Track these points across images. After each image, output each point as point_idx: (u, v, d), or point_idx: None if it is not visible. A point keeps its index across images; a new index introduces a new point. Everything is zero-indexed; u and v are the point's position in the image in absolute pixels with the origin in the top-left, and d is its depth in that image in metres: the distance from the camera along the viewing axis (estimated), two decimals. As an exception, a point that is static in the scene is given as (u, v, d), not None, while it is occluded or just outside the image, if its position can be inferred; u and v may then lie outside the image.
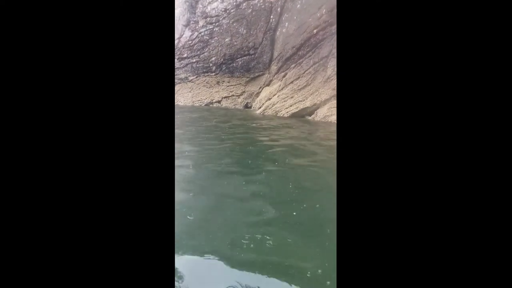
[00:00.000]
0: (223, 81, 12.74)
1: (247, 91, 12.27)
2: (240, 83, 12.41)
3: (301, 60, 9.93)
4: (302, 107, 9.37)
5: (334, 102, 8.70)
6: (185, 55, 13.54)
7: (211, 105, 12.52)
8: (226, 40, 12.76)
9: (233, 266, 2.12)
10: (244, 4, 12.57)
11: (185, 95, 13.14)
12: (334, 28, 9.08)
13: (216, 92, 12.70)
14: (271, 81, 11.47)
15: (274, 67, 11.41)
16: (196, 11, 13.54)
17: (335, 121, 8.56)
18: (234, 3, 12.74)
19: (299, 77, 9.70)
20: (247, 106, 12.14)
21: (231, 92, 12.52)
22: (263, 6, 12.24)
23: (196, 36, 13.38)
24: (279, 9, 11.82)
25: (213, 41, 13.04)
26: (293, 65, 10.25)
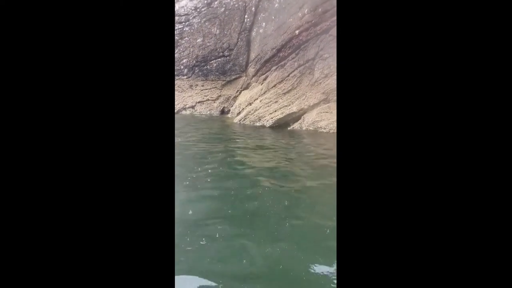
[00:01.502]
0: (197, 85, 11.86)
1: (224, 95, 11.52)
2: (216, 87, 11.63)
3: (283, 62, 9.41)
4: (288, 112, 8.86)
5: (323, 107, 8.30)
6: (152, 57, 12.43)
7: (183, 112, 11.58)
8: (198, 40, 11.91)
9: None
10: (216, 2, 11.81)
11: (154, 101, 12.05)
12: (318, 28, 8.68)
13: (189, 96, 11.79)
14: (249, 84, 10.84)
15: (251, 69, 10.79)
16: (163, 9, 12.50)
17: (326, 130, 8.16)
18: (205, 1, 11.94)
19: (282, 81, 9.17)
20: (223, 112, 11.41)
21: (206, 96, 11.69)
22: (236, 5, 11.57)
23: (164, 36, 12.35)
24: (253, 8, 11.23)
25: (183, 42, 12.11)
26: (274, 68, 9.71)
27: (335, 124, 8.08)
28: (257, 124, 9.17)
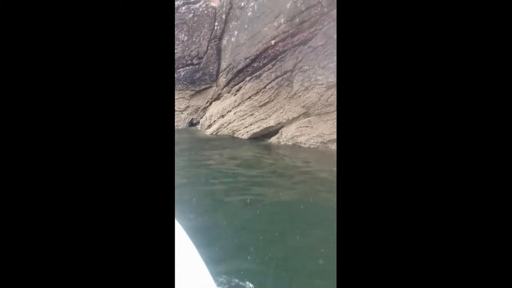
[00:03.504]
0: (162, 94, 10.97)
1: (192, 106, 10.76)
2: (184, 97, 10.83)
3: (258, 73, 8.93)
4: (265, 126, 8.36)
5: (303, 121, 7.92)
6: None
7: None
8: (164, 47, 11.06)
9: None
10: (183, 8, 11.08)
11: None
12: (296, 39, 8.34)
13: (154, 107, 10.85)
14: (220, 94, 10.22)
15: (222, 79, 10.19)
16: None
17: (306, 145, 7.78)
18: (172, 6, 11.16)
19: (258, 92, 8.68)
20: (192, 124, 10.65)
21: (173, 107, 10.85)
22: (205, 12, 10.93)
23: (126, 41, 11.34)
24: (224, 15, 10.67)
25: (147, 48, 11.18)
26: (248, 78, 9.19)
27: (315, 140, 7.74)
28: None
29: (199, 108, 10.69)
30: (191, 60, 10.81)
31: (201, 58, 10.74)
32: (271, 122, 8.25)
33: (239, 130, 8.70)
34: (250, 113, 8.64)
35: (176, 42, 10.91)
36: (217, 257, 2.88)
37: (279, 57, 8.57)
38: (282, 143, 8.07)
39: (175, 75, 10.84)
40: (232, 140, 8.63)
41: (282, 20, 8.73)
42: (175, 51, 10.86)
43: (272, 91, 8.36)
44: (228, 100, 9.53)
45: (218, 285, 2.37)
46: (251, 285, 2.49)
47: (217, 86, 10.45)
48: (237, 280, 2.60)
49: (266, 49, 8.90)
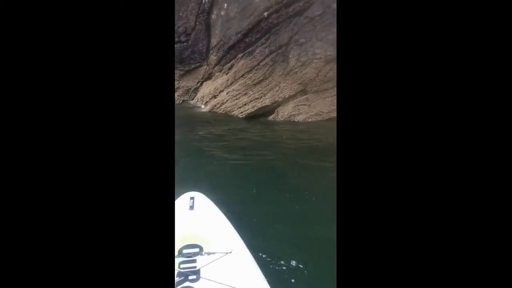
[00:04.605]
0: (150, 76, 10.34)
1: (183, 87, 10.15)
2: (173, 78, 10.21)
3: (251, 49, 8.30)
4: (260, 106, 7.84)
5: (300, 99, 7.41)
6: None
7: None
8: (149, 24, 10.32)
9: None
10: (168, -21, 10.25)
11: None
12: (291, 10, 7.68)
13: (142, 89, 10.25)
14: (211, 74, 9.60)
15: (213, 57, 9.54)
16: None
17: (303, 121, 7.30)
18: (155, -22, 10.32)
19: (251, 70, 8.08)
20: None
21: (162, 88, 10.24)
22: (192, -16, 10.13)
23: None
24: (212, -13, 9.88)
25: (131, 25, 10.44)
26: (240, 55, 8.57)
27: (314, 118, 7.26)
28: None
29: (190, 89, 10.09)
30: (178, 37, 10.08)
31: (189, 34, 10.03)
32: (267, 101, 7.73)
33: (233, 111, 8.19)
34: (243, 93, 8.09)
35: (162, 18, 10.16)
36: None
37: (273, 30, 7.93)
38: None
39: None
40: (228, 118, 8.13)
41: (275, -11, 8.02)
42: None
43: (267, 68, 7.77)
44: (220, 80, 8.94)
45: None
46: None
47: (207, 64, 9.81)
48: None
49: (258, 22, 8.24)
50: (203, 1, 10.04)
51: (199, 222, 2.23)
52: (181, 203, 2.43)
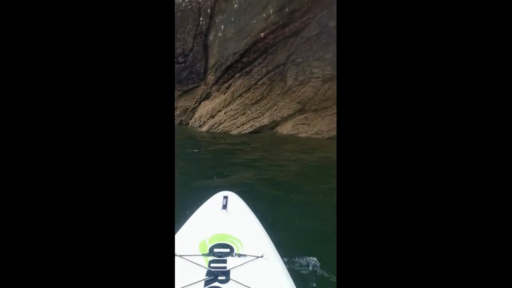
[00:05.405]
0: (148, 96, 10.32)
1: (181, 107, 10.12)
2: (170, 98, 10.19)
3: (248, 69, 8.33)
4: (258, 126, 7.78)
5: (299, 118, 7.36)
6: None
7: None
8: (147, 45, 10.39)
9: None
10: (165, 2, 10.41)
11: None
12: (287, 30, 7.75)
13: (140, 110, 10.21)
14: (209, 93, 9.60)
15: (211, 77, 9.56)
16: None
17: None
18: (153, 1, 10.48)
19: (249, 89, 8.08)
20: (181, 125, 10.02)
21: (159, 109, 10.20)
22: (189, 7, 10.25)
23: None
24: (209, 10, 10.01)
25: (129, 47, 10.51)
26: (238, 75, 8.59)
27: (313, 137, 7.18)
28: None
29: (188, 108, 10.05)
30: (176, 59, 10.13)
31: (187, 55, 10.09)
32: (265, 120, 7.67)
33: (231, 131, 8.11)
34: (241, 112, 8.05)
35: (160, 40, 10.25)
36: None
37: (270, 50, 7.98)
38: (278, 142, 7.50)
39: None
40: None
41: (271, 10, 8.12)
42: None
43: (264, 87, 7.77)
44: (217, 99, 8.92)
45: None
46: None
47: (205, 84, 9.82)
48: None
49: (255, 43, 8.30)
50: (201, 22, 10.17)
51: (231, 222, 2.19)
52: (214, 201, 2.41)
